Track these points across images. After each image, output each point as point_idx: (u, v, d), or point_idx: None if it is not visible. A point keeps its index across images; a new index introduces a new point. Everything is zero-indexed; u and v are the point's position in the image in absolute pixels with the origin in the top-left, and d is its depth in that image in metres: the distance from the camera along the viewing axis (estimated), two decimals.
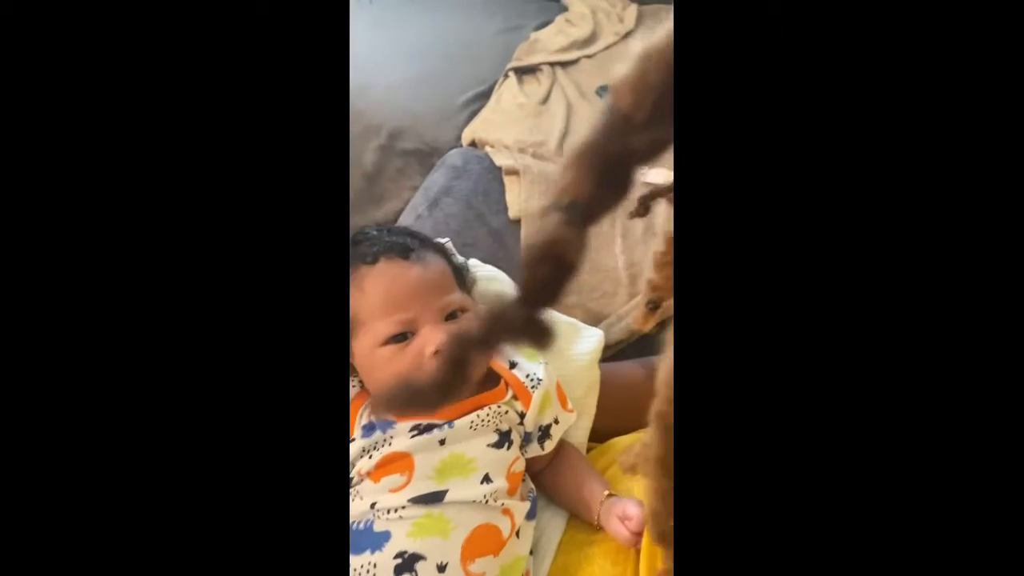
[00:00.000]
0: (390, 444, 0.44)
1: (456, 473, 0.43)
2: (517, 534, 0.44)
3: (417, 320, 0.46)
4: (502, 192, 0.87)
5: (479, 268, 0.59)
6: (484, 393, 0.47)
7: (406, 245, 0.49)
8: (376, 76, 1.12)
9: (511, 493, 0.45)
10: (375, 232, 0.51)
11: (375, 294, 0.46)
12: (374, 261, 0.47)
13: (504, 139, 0.99)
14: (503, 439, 0.46)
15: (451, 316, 0.47)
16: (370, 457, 0.44)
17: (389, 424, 0.45)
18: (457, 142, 1.06)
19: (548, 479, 0.51)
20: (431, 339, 0.44)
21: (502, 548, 0.43)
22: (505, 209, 0.85)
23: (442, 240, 0.58)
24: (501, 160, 0.91)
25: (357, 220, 1.27)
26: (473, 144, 1.02)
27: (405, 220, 0.87)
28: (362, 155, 1.13)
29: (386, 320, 0.45)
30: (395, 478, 0.43)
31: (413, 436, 0.44)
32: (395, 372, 0.45)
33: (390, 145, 1.10)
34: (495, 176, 0.90)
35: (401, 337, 0.45)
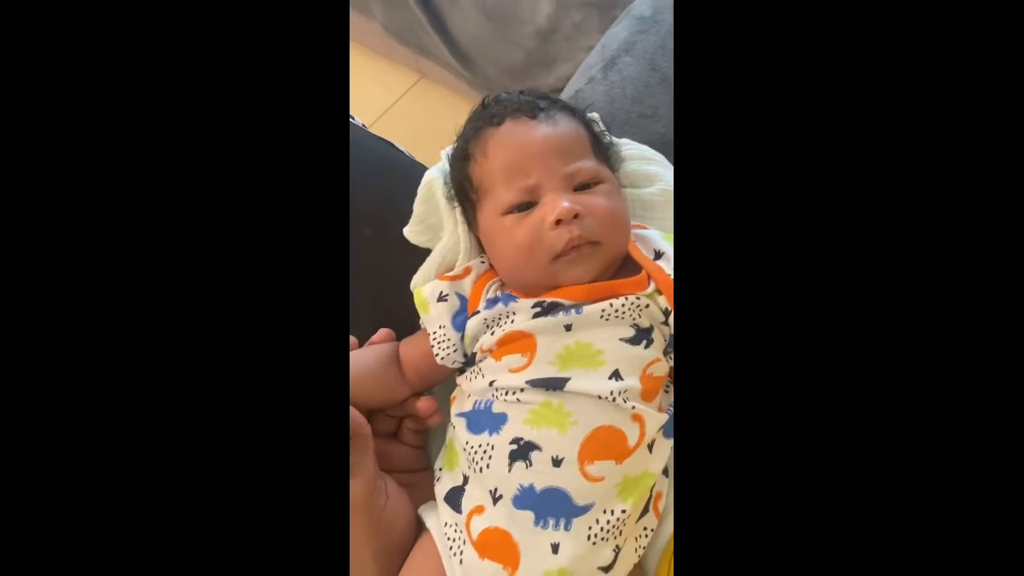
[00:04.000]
0: (512, 320, 0.40)
1: (581, 363, 0.38)
2: (650, 448, 0.39)
3: (541, 187, 0.40)
4: None
5: (629, 146, 0.49)
6: (620, 280, 0.40)
7: (535, 104, 0.42)
8: None
9: (646, 398, 0.39)
10: (505, 95, 0.44)
11: (497, 158, 0.41)
12: (499, 123, 0.42)
13: None
14: (641, 335, 0.39)
15: (583, 187, 0.41)
16: (492, 333, 0.41)
17: (512, 298, 0.40)
18: None
19: None
20: (554, 208, 0.38)
21: (626, 456, 0.37)
22: None
23: (591, 113, 0.48)
24: None
25: (525, 86, 1.18)
26: None
27: (576, 84, 0.76)
28: (535, 10, 1.01)
29: (507, 186, 0.40)
30: (516, 358, 0.39)
31: (536, 315, 0.39)
32: (515, 243, 0.40)
33: None
34: None
35: (524, 207, 0.40)
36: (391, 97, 1.44)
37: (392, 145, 0.59)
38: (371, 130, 0.62)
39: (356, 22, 1.37)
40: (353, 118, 0.63)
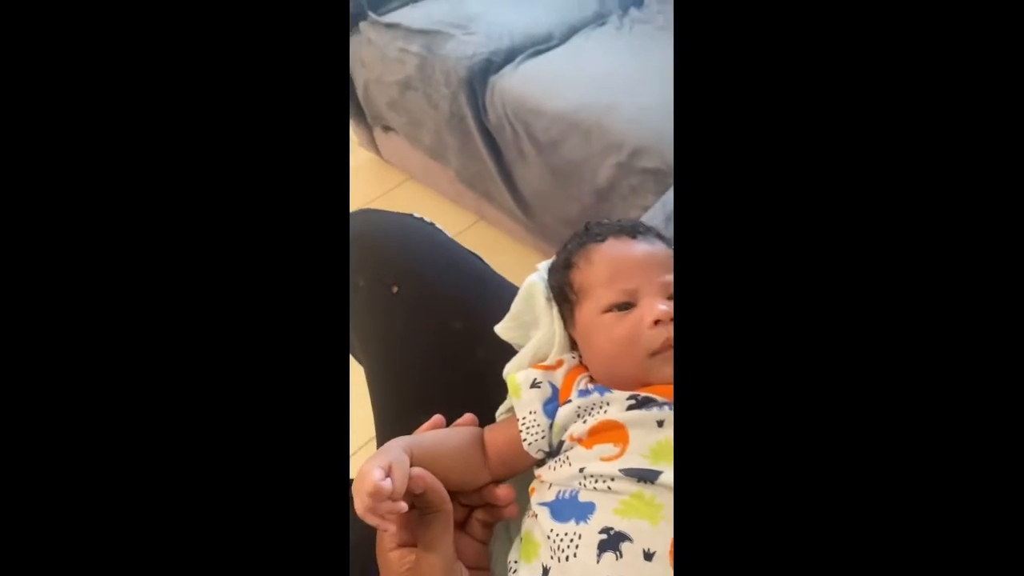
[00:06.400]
0: (605, 411, 0.42)
1: (672, 459, 0.39)
2: None
3: (639, 291, 0.44)
4: None
5: None
6: None
7: (635, 227, 0.49)
8: (626, 97, 1.14)
9: None
10: (606, 220, 0.52)
11: (601, 265, 0.46)
12: (603, 240, 0.48)
13: None
14: None
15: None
16: (584, 422, 0.42)
17: (607, 389, 0.43)
18: None
19: None
20: (652, 310, 0.42)
21: None
22: None
23: None
24: None
25: None
26: None
27: None
28: (597, 171, 1.15)
29: (609, 288, 0.45)
30: (608, 447, 0.40)
31: (630, 408, 0.41)
32: (614, 338, 0.43)
33: (629, 163, 1.10)
34: None
35: (623, 307, 0.44)
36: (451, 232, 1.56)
37: (479, 257, 0.66)
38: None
39: (431, 168, 1.55)
40: (440, 228, 0.70)
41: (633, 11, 1.43)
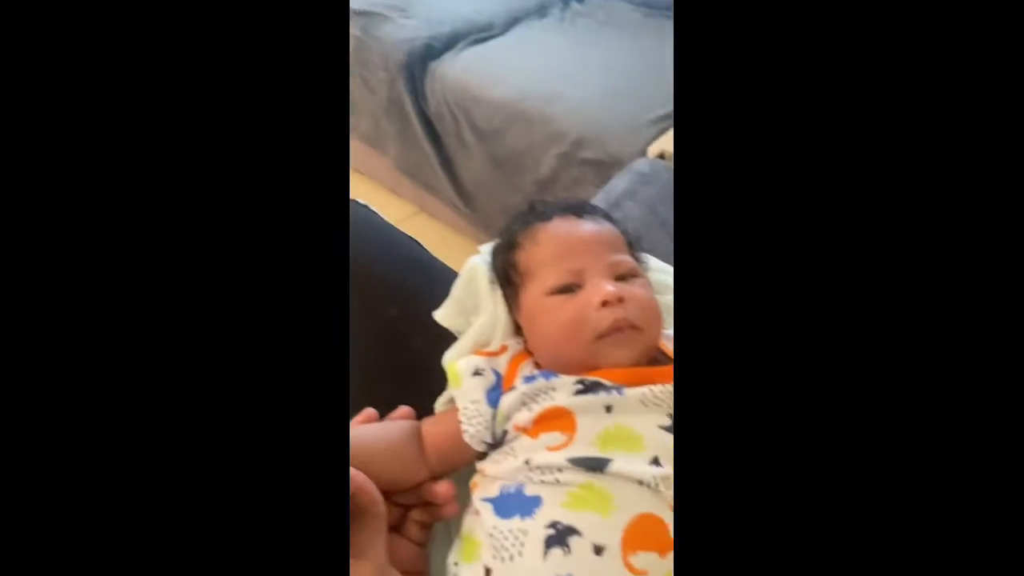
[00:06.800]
0: (552, 397, 0.39)
1: (622, 446, 0.37)
2: None
3: (586, 271, 0.43)
4: None
5: (651, 260, 0.54)
6: (657, 368, 0.41)
7: (582, 206, 0.48)
8: (569, 87, 1.13)
9: None
10: (552, 199, 0.50)
11: (547, 245, 0.45)
12: (548, 218, 0.46)
13: None
14: None
15: (622, 278, 0.44)
16: (529, 409, 0.40)
17: (554, 374, 0.41)
18: (641, 155, 1.02)
19: None
20: (599, 291, 0.41)
21: (670, 550, 0.35)
22: None
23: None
24: None
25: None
26: (661, 157, 0.97)
27: None
28: (540, 161, 1.14)
29: (555, 268, 0.43)
30: (555, 436, 0.38)
31: (577, 392, 0.39)
32: (560, 321, 0.42)
33: (571, 153, 1.09)
34: None
35: (569, 289, 0.43)
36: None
37: (417, 242, 0.62)
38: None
39: (369, 157, 1.49)
40: (376, 211, 0.67)
41: (574, 5, 1.43)
